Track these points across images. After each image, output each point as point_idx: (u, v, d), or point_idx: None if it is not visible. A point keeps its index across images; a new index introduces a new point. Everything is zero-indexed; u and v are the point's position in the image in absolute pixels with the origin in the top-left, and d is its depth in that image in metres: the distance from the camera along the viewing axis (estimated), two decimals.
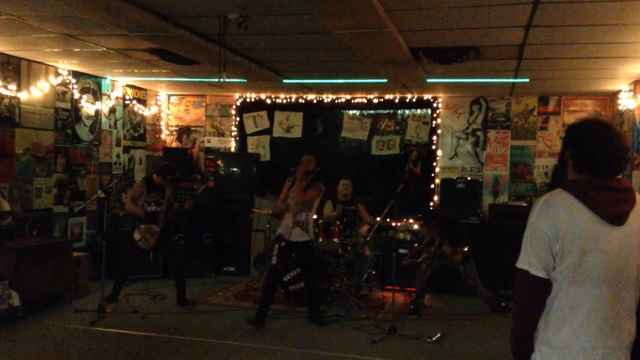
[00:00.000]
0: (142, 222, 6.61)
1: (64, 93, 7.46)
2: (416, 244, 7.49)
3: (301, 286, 6.70)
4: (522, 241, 2.13)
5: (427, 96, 8.65)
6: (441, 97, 8.65)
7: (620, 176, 2.15)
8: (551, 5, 4.05)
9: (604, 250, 2.04)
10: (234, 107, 9.51)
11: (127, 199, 7.12)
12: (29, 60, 6.82)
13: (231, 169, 9.01)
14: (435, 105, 8.67)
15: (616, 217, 2.06)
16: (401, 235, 8.14)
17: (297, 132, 9.27)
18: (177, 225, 6.88)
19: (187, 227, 8.22)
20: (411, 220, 8.49)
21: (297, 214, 6.09)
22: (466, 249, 6.72)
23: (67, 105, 7.53)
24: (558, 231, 2.03)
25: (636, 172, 6.53)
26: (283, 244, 6.13)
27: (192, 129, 9.73)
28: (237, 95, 9.42)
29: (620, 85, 7.12)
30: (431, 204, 8.58)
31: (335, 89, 8.47)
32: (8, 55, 6.52)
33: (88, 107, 7.90)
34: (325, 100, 9.03)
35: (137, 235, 6.59)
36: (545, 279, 2.06)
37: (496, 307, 6.77)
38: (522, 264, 2.11)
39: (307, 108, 9.19)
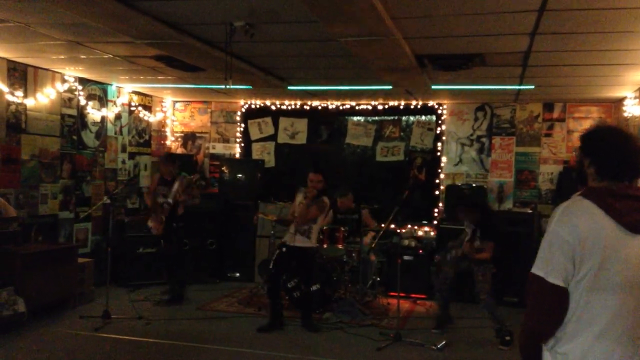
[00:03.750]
0: (155, 212, 7.07)
1: (70, 99, 7.49)
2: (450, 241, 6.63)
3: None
4: (539, 248, 2.07)
5: (431, 103, 8.65)
6: (446, 103, 8.65)
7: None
8: (556, 13, 4.06)
9: (624, 259, 2.00)
10: (239, 113, 9.53)
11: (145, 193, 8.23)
12: (35, 67, 6.86)
13: (236, 175, 9.01)
14: (440, 111, 8.67)
15: (637, 225, 2.02)
16: (406, 242, 8.13)
17: (301, 139, 9.28)
18: (180, 217, 7.06)
19: (192, 233, 8.20)
20: (416, 227, 8.46)
21: (302, 225, 6.18)
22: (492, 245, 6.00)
23: (73, 112, 7.57)
24: (579, 238, 1.98)
25: None
26: (284, 249, 6.19)
27: (197, 135, 9.76)
28: (242, 102, 9.44)
29: (626, 92, 7.11)
30: (436, 210, 8.57)
31: (340, 95, 8.49)
32: (15, 62, 6.56)
33: (94, 113, 7.94)
34: (330, 107, 9.04)
35: (150, 223, 7.15)
36: (562, 288, 2.00)
37: (501, 337, 5.88)
38: (537, 270, 2.04)
39: (311, 114, 9.20)
